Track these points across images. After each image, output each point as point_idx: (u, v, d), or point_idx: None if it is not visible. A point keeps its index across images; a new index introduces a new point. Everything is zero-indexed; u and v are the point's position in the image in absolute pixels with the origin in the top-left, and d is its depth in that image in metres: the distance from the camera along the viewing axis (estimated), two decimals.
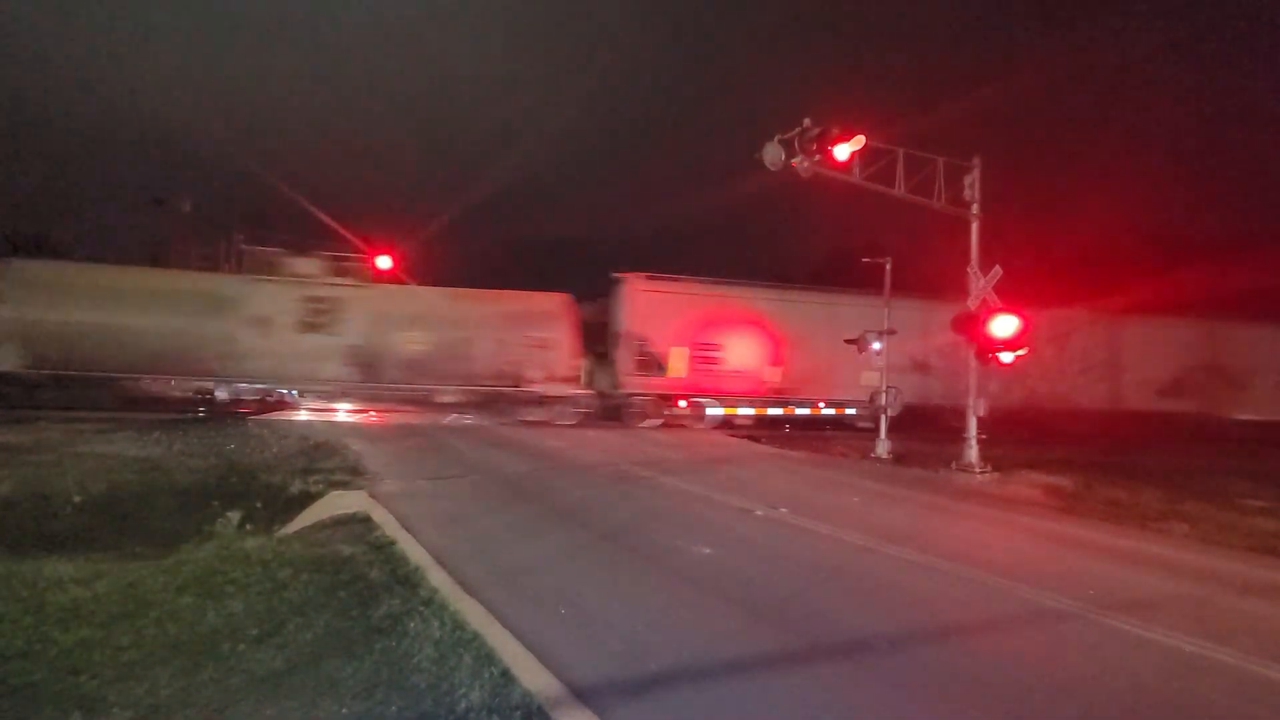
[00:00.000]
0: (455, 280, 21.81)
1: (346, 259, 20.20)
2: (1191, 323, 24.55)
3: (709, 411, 20.31)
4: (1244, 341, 24.87)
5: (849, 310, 20.03)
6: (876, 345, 16.56)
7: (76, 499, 9.16)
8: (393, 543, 6.72)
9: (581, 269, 26.48)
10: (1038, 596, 5.81)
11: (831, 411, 21.23)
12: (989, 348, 12.31)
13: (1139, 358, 23.89)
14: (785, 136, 12.13)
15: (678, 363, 20.16)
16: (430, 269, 22.67)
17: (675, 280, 20.78)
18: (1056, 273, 25.57)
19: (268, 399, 20.49)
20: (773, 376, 20.85)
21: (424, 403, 20.04)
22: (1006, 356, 12.19)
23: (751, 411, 20.70)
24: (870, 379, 17.96)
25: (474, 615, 4.87)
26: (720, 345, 20.54)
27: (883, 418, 16.26)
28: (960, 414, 13.92)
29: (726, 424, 20.30)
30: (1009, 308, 12.32)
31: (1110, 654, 4.72)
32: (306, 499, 9.26)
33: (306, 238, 22.40)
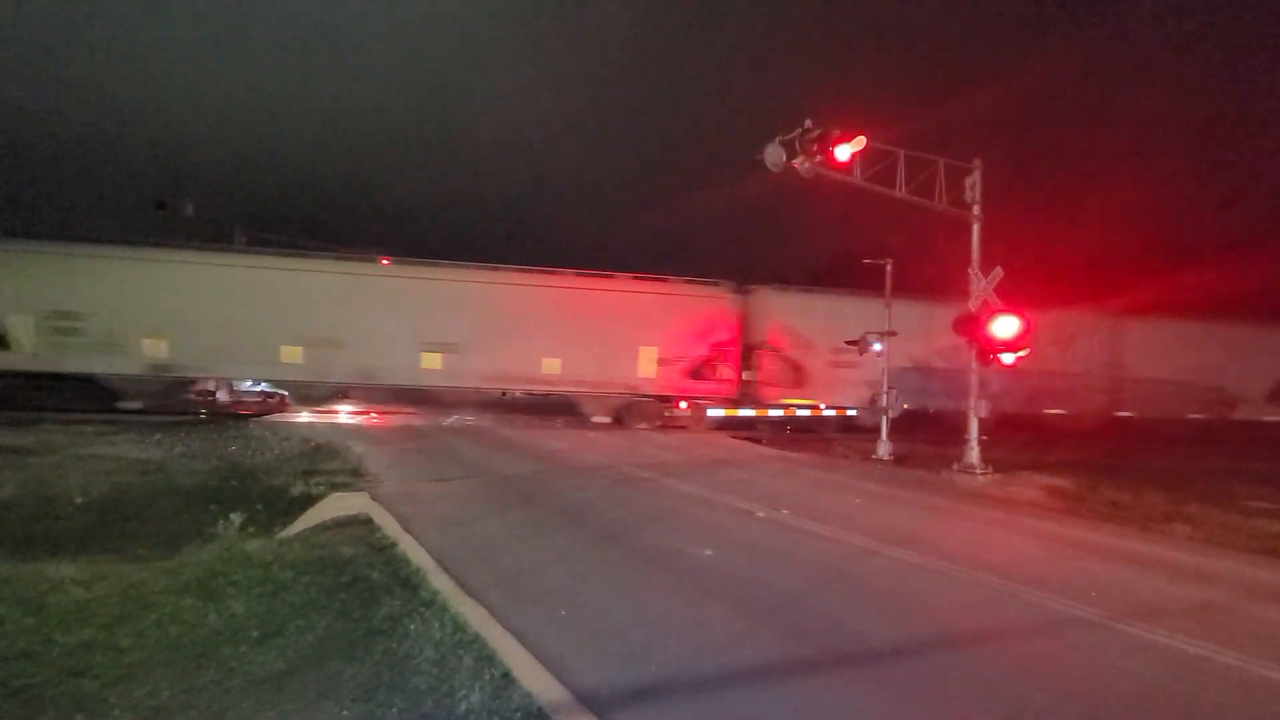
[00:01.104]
0: None
1: None
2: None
3: None
4: None
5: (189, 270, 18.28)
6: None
7: (78, 501, 9.18)
8: (394, 544, 6.73)
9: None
10: (1040, 599, 5.79)
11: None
12: (990, 349, 12.29)
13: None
14: (786, 138, 12.13)
15: None
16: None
17: None
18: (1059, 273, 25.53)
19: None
20: None
21: None
22: (1008, 358, 12.17)
23: None
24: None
25: (475, 617, 4.87)
26: None
27: (883, 419, 16.26)
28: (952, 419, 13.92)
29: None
30: (1008, 308, 12.29)
31: (1114, 657, 4.70)
32: (308, 501, 9.27)
33: (302, 237, 22.41)
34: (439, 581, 5.63)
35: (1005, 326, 12.06)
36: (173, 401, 19.21)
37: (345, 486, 9.91)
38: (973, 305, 13.03)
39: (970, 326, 12.76)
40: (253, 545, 6.78)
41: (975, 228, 13.42)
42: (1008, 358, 12.15)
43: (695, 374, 20.90)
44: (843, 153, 12.05)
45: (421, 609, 5.00)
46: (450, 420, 20.36)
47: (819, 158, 12.04)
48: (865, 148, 12.39)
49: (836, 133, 11.97)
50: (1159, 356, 23.96)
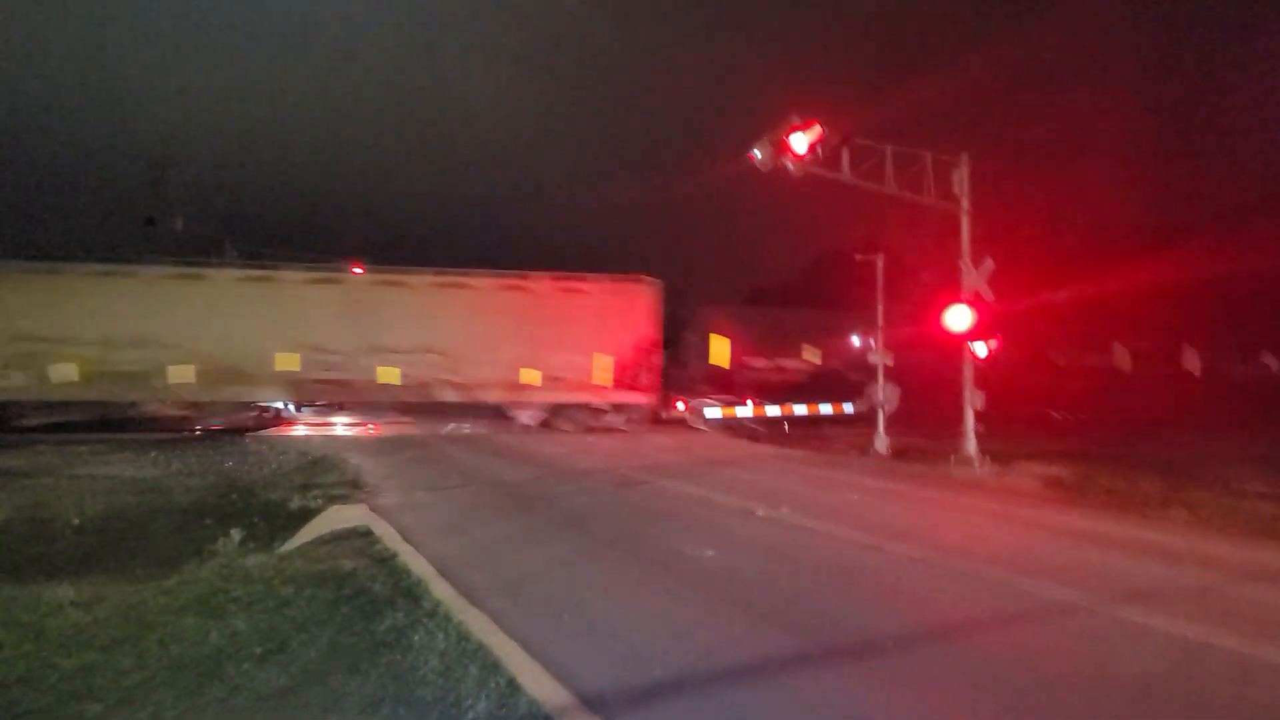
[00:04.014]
0: None
1: None
2: None
3: None
4: None
5: None
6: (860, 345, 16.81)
7: (75, 522, 9.11)
8: (394, 555, 6.70)
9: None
10: (1041, 589, 5.81)
11: None
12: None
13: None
14: (775, 136, 12.19)
15: None
16: None
17: None
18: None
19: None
20: None
21: None
22: (980, 349, 12.17)
23: None
24: None
25: (478, 625, 4.86)
26: None
27: (880, 413, 16.31)
28: None
29: None
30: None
31: (1114, 644, 4.73)
32: (306, 514, 9.22)
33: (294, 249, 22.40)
34: (441, 591, 5.61)
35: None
36: None
37: (344, 499, 9.88)
38: (964, 298, 13.08)
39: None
40: (252, 561, 6.74)
41: (964, 220, 13.49)
42: (979, 349, 12.17)
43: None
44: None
45: (424, 619, 4.98)
46: (447, 429, 20.31)
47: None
48: (853, 144, 12.48)
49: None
50: None
